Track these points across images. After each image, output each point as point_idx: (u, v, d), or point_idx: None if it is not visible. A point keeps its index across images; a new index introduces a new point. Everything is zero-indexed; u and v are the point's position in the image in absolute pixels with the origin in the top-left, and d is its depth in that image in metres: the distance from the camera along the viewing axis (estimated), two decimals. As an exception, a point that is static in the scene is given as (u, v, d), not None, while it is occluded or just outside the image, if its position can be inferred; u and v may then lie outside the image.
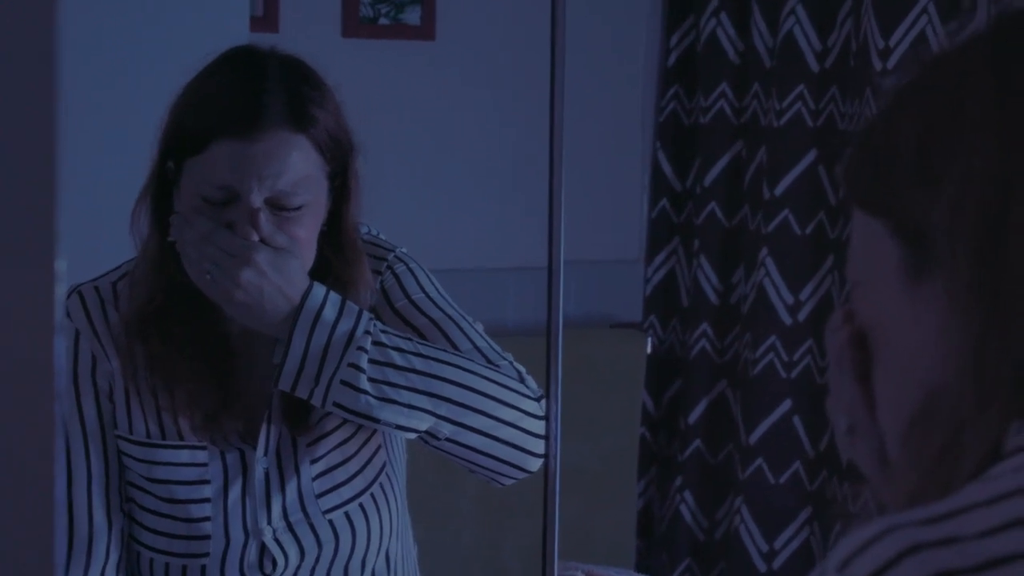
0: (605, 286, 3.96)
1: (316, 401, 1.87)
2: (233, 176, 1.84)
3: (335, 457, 1.96)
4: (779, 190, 3.57)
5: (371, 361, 1.85)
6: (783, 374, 3.59)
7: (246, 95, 1.86)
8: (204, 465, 1.93)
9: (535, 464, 1.95)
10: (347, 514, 1.96)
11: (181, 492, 1.93)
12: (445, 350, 1.92)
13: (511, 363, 1.99)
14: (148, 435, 1.93)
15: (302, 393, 1.87)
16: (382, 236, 2.08)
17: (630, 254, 3.99)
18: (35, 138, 0.75)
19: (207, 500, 1.93)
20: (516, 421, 1.93)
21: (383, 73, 3.64)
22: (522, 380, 1.97)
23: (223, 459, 1.93)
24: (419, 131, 3.68)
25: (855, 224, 1.06)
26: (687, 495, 3.84)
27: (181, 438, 1.92)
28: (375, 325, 1.88)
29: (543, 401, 1.98)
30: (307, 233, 1.89)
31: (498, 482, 1.99)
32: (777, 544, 3.64)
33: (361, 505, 1.97)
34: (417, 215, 3.69)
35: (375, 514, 1.99)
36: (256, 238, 1.84)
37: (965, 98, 1.00)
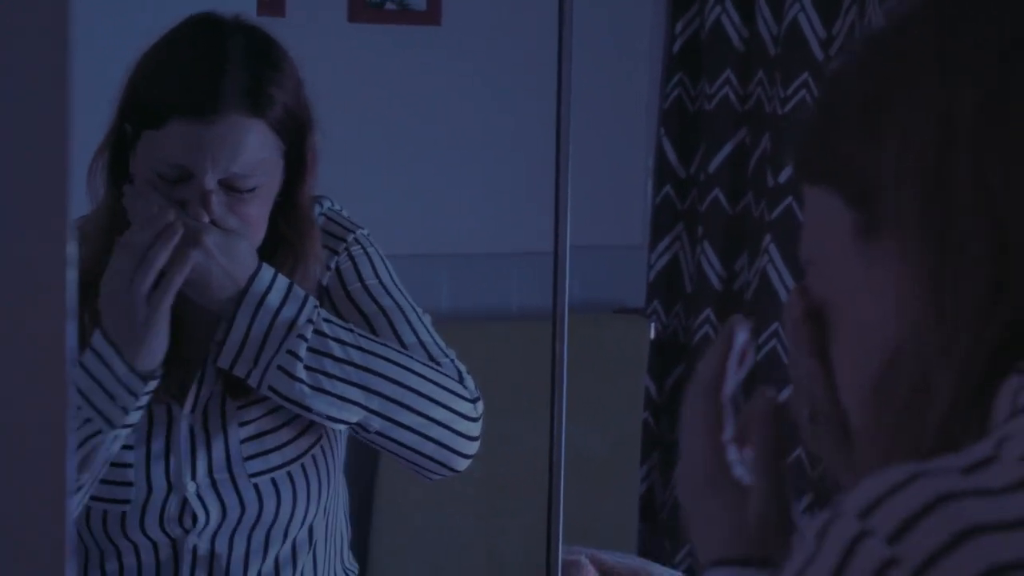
0: (609, 271, 3.96)
1: (252, 382, 1.91)
2: (187, 157, 1.86)
3: (266, 423, 1.98)
4: (783, 177, 3.57)
5: (309, 350, 1.89)
6: (786, 361, 3.60)
7: (205, 74, 1.87)
8: None
9: (462, 464, 2.00)
10: (274, 480, 1.98)
11: None
12: (386, 345, 1.95)
13: (452, 361, 2.02)
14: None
15: (240, 373, 1.91)
16: (344, 213, 2.09)
17: (634, 240, 4.00)
18: (47, 121, 0.75)
19: (129, 447, 1.95)
20: (448, 421, 1.96)
21: (389, 58, 3.64)
22: (461, 380, 2.00)
23: (149, 410, 1.94)
24: (425, 116, 3.69)
25: (806, 203, 1.07)
26: (689, 480, 3.84)
27: None
28: (319, 313, 1.91)
29: (479, 403, 2.01)
30: (258, 212, 1.91)
31: (425, 477, 2.03)
32: (779, 529, 3.65)
33: (289, 473, 1.99)
34: (423, 200, 3.69)
35: (303, 484, 2.00)
36: (207, 219, 1.86)
37: (905, 53, 1.01)
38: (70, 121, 0.75)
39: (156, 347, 1.87)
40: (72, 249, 0.76)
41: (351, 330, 1.93)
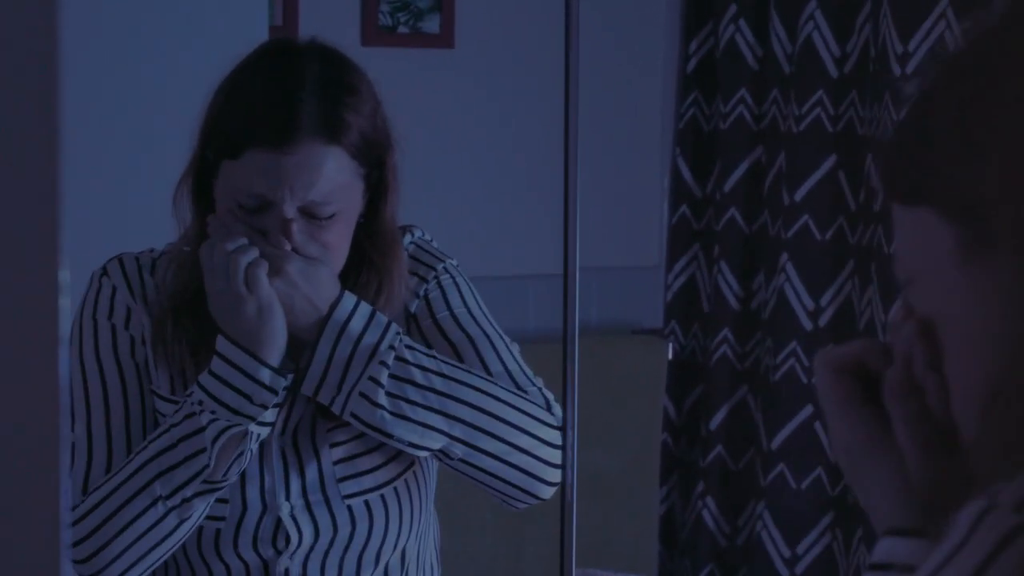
0: (626, 292, 3.97)
1: (336, 409, 1.92)
2: (266, 186, 1.88)
3: (358, 446, 1.98)
4: (799, 195, 3.58)
5: (391, 376, 1.90)
6: (804, 379, 3.60)
7: (280, 104, 1.89)
8: None
9: (548, 492, 1.99)
10: (367, 502, 1.98)
11: None
12: (469, 371, 1.96)
13: (540, 390, 2.02)
14: (173, 392, 1.97)
15: (323, 399, 1.92)
16: (435, 243, 2.12)
17: (650, 260, 4.00)
18: (38, 150, 0.75)
19: None
20: (531, 448, 1.96)
21: (402, 81, 3.64)
22: (548, 408, 2.00)
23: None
24: (439, 138, 3.70)
25: (899, 223, 1.06)
26: (709, 501, 3.84)
27: None
28: (400, 340, 1.92)
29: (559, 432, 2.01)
30: (339, 239, 1.93)
31: (511, 505, 2.02)
32: (800, 550, 3.64)
33: (383, 496, 1.99)
34: (438, 222, 3.68)
35: (396, 508, 2.00)
36: (288, 247, 1.89)
37: (1000, 66, 1.00)
38: (61, 147, 0.75)
39: (277, 335, 1.89)
40: (64, 276, 0.75)
41: (434, 357, 1.94)
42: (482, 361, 2.00)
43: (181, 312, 1.96)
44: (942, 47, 1.07)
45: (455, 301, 2.04)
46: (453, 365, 1.95)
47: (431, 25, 3.65)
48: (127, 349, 1.99)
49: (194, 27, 3.19)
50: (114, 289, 2.00)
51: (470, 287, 2.07)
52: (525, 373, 2.02)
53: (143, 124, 3.16)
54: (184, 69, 2.94)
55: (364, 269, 1.98)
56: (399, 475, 2.00)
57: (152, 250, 2.06)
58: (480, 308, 2.06)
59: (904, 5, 3.28)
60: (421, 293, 2.03)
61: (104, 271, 2.02)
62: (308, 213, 1.90)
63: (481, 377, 1.96)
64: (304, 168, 1.87)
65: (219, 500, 1.96)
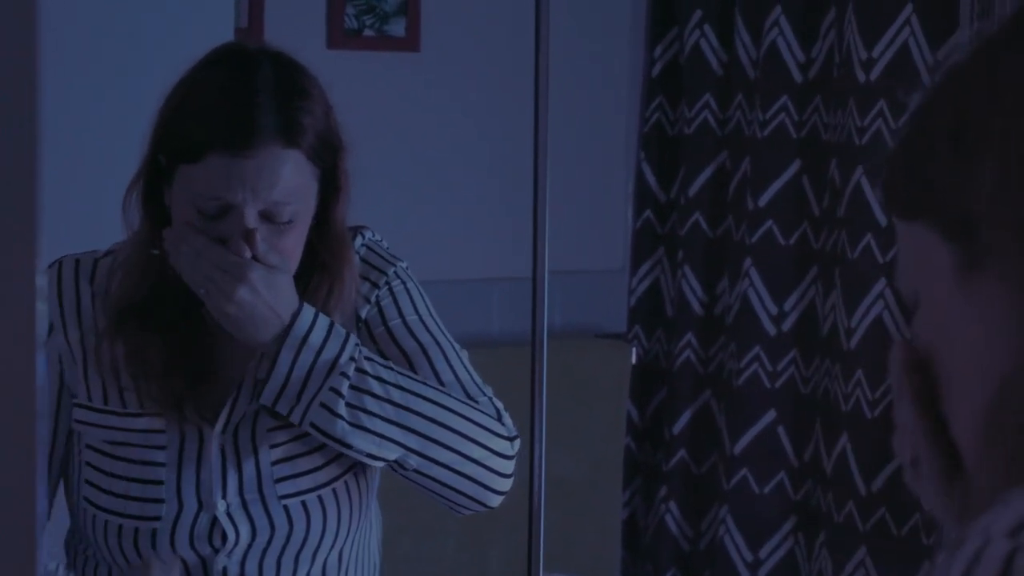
0: (590, 296, 3.98)
1: (294, 419, 1.94)
2: (228, 190, 1.88)
3: (297, 447, 1.99)
4: (763, 200, 3.59)
5: (351, 387, 1.92)
6: (767, 384, 3.61)
7: (238, 107, 1.90)
8: (161, 431, 1.98)
9: (496, 501, 2.03)
10: (304, 503, 1.99)
11: (136, 454, 1.98)
12: (425, 383, 1.98)
13: (491, 399, 2.05)
14: (107, 402, 1.99)
15: (282, 410, 1.94)
16: (384, 243, 2.12)
17: (615, 264, 4.02)
18: (15, 157, 0.75)
19: (161, 464, 1.98)
20: (483, 459, 1.99)
21: (368, 84, 3.65)
22: (499, 418, 2.03)
23: (180, 428, 1.98)
24: (404, 142, 3.70)
25: (900, 237, 1.04)
26: (672, 505, 3.85)
27: (141, 406, 1.98)
28: (360, 351, 1.94)
29: (516, 441, 2.04)
30: (296, 244, 1.95)
31: (456, 511, 2.05)
32: (762, 554, 3.65)
33: (320, 498, 2.00)
34: (403, 226, 3.69)
35: (334, 509, 2.01)
36: (249, 255, 1.89)
37: (995, 79, 0.99)
38: (39, 154, 0.75)
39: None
40: (41, 282, 0.75)
41: (391, 368, 1.96)
42: (433, 370, 2.02)
43: (126, 318, 1.97)
44: (950, 55, 1.05)
45: (407, 308, 2.05)
46: (409, 377, 1.97)
47: (397, 28, 3.66)
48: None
49: (160, 30, 3.19)
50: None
51: (420, 292, 2.09)
52: (475, 382, 2.05)
53: (108, 126, 3.15)
54: (150, 72, 2.93)
55: (316, 272, 1.99)
56: (338, 477, 2.01)
57: (95, 251, 2.06)
58: (431, 315, 2.08)
59: (868, 12, 3.30)
60: (373, 299, 2.04)
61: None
62: (267, 217, 1.91)
63: (436, 389, 1.98)
64: (264, 171, 1.88)
65: (155, 500, 1.97)
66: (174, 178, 1.93)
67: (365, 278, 2.05)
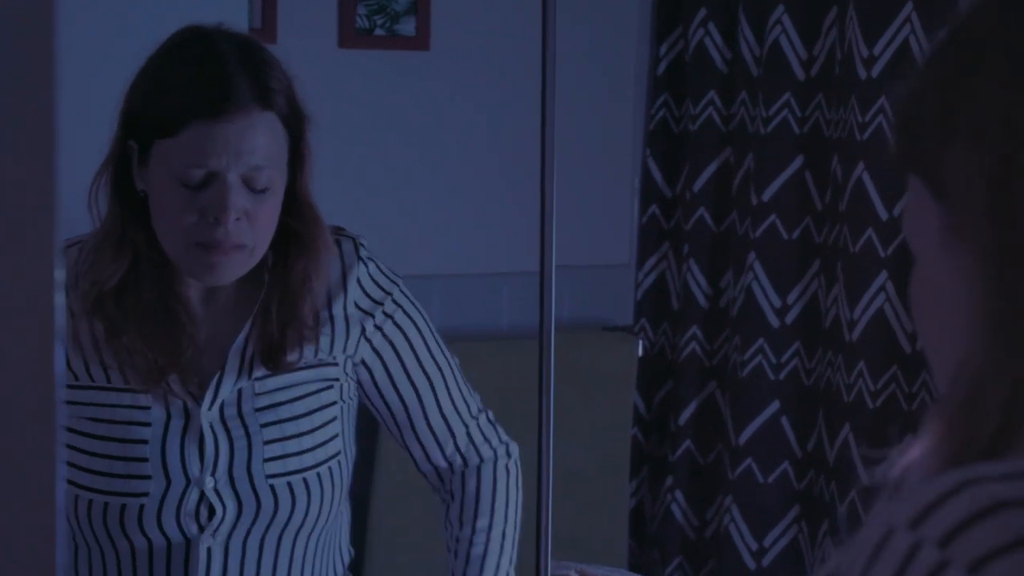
0: (597, 290, 4.00)
1: None
2: (210, 155, 1.92)
3: (288, 428, 2.03)
4: (766, 196, 3.62)
5: None
6: (771, 376, 3.64)
7: (212, 77, 1.93)
8: (146, 408, 2.00)
9: None
10: (289, 483, 2.03)
11: (119, 431, 2.00)
12: (508, 534, 2.25)
13: (489, 419, 2.24)
14: (92, 379, 2.01)
15: None
16: (381, 264, 2.16)
17: (621, 259, 4.04)
18: (34, 150, 0.75)
19: (144, 441, 1.99)
20: (519, 502, 2.27)
21: (379, 82, 3.69)
22: (496, 432, 2.24)
23: (166, 405, 2.00)
24: (414, 139, 3.73)
25: (908, 188, 1.04)
26: (678, 494, 3.88)
27: (126, 382, 2.00)
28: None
29: (514, 448, 2.25)
30: (271, 213, 1.98)
31: None
32: (766, 542, 3.68)
33: (305, 479, 2.04)
34: (414, 222, 3.74)
35: (317, 492, 2.05)
36: (232, 215, 1.92)
37: (968, 59, 0.99)
38: (57, 149, 0.76)
39: None
40: (60, 275, 0.77)
41: (511, 560, 2.24)
42: (436, 400, 2.17)
43: (103, 301, 1.98)
44: (953, 19, 1.04)
45: (416, 341, 2.15)
46: (510, 541, 2.26)
47: (407, 27, 3.70)
48: None
49: (173, 29, 3.22)
50: None
51: (420, 313, 2.17)
52: (470, 403, 2.22)
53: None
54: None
55: (291, 245, 2.02)
56: (323, 462, 2.06)
57: (70, 241, 2.07)
58: (433, 336, 2.18)
59: (869, 10, 3.32)
60: (377, 325, 2.11)
61: None
62: (247, 184, 1.94)
63: (505, 532, 2.24)
64: (245, 134, 1.92)
65: (141, 477, 1.99)
66: (150, 157, 1.95)
67: (366, 293, 2.10)
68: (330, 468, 2.07)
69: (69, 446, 2.02)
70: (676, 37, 3.88)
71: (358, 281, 2.09)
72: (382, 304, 2.11)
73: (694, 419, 3.86)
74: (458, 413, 2.19)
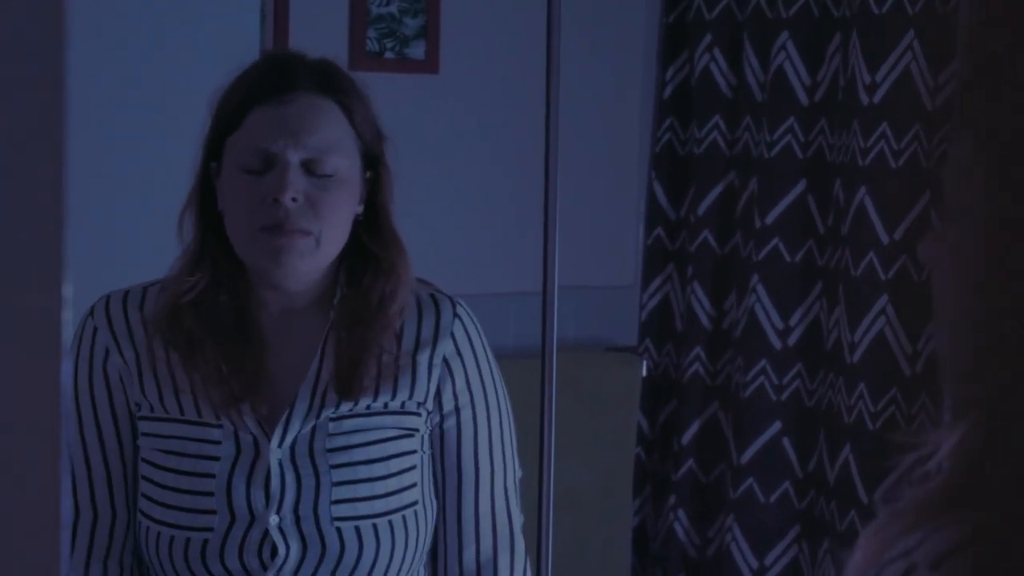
0: (602, 311, 4.02)
1: None
2: (269, 138, 1.94)
3: (360, 471, 1.98)
4: (770, 219, 3.64)
5: None
6: (773, 396, 3.66)
7: (278, 70, 1.98)
8: (217, 443, 1.97)
9: None
10: (357, 528, 1.97)
11: (188, 464, 1.97)
12: None
13: (520, 537, 2.13)
14: (166, 410, 1.98)
15: None
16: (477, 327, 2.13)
17: (626, 280, 4.06)
18: (43, 165, 0.75)
19: (212, 476, 1.96)
20: None
21: (388, 105, 3.71)
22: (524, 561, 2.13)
23: (237, 440, 1.97)
24: (423, 161, 3.76)
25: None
26: (680, 513, 3.89)
27: (199, 415, 1.97)
28: None
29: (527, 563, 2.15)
30: (337, 202, 1.96)
31: None
32: (767, 561, 3.70)
33: (375, 526, 1.98)
34: (422, 241, 3.76)
35: (388, 541, 1.98)
36: (290, 194, 1.92)
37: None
38: (66, 163, 0.76)
39: None
40: (67, 290, 0.76)
41: None
42: (492, 494, 2.09)
43: (181, 315, 1.97)
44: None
45: (481, 430, 2.08)
46: None
47: (417, 51, 3.73)
48: (104, 396, 2.01)
49: (188, 53, 3.26)
50: (95, 330, 2.02)
51: (500, 406, 2.11)
52: (514, 523, 2.12)
53: (140, 145, 3.24)
54: (178, 95, 3.01)
55: (370, 270, 2.01)
56: (396, 510, 1.99)
57: (148, 284, 2.06)
58: (501, 435, 2.11)
59: (872, 37, 3.35)
60: (447, 330, 2.05)
61: (90, 312, 2.04)
62: (309, 169, 1.95)
63: None
64: (304, 116, 1.94)
65: (207, 511, 1.95)
66: (223, 163, 1.97)
67: (458, 351, 2.06)
68: (404, 518, 2.00)
69: (143, 477, 2.00)
70: (682, 62, 3.91)
71: (452, 336, 2.05)
72: (467, 372, 2.07)
73: (697, 439, 3.88)
74: (508, 509, 2.10)
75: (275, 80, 1.96)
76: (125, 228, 3.20)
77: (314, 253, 1.95)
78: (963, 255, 0.96)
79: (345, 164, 1.97)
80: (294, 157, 1.94)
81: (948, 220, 0.99)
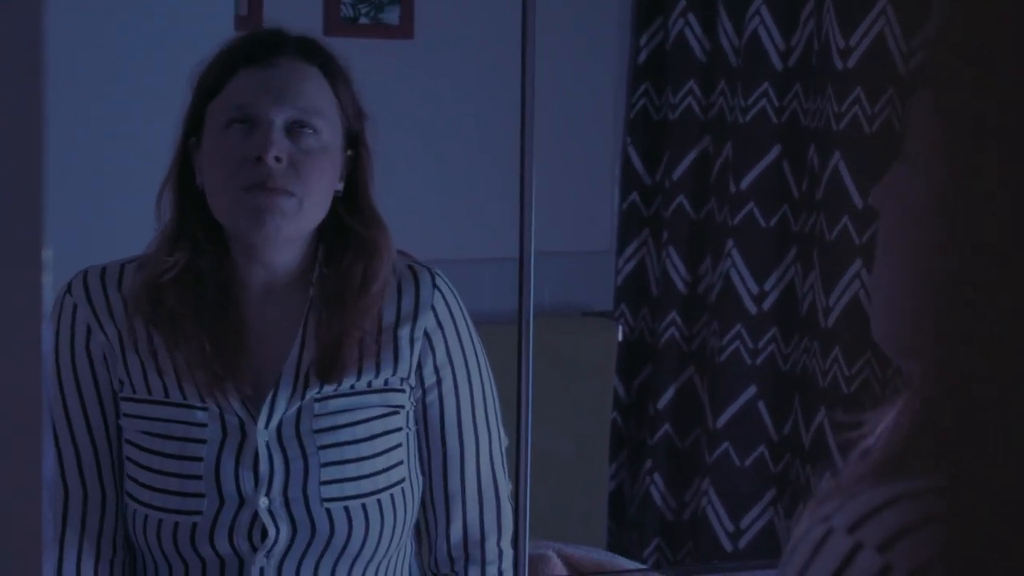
0: (577, 276, 4.03)
1: None
2: (252, 96, 1.94)
3: (347, 451, 1.97)
4: (744, 184, 3.65)
5: None
6: (748, 361, 3.67)
7: (262, 39, 1.99)
8: (203, 425, 1.95)
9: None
10: (347, 508, 1.97)
11: (174, 447, 1.95)
12: None
13: (508, 502, 2.12)
14: (149, 391, 1.96)
15: None
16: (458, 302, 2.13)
17: (602, 245, 4.06)
18: (21, 130, 0.75)
19: (199, 459, 1.95)
20: None
21: (363, 70, 3.71)
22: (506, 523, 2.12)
23: (223, 423, 1.95)
24: (398, 127, 3.76)
25: None
26: (656, 477, 3.91)
27: (184, 397, 1.96)
28: None
29: (508, 553, 2.13)
30: (320, 171, 1.96)
31: None
32: (743, 524, 3.72)
33: (364, 506, 1.98)
34: (397, 207, 3.76)
35: (377, 520, 1.98)
36: (273, 152, 1.91)
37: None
38: (44, 128, 0.76)
39: None
40: (47, 255, 0.76)
41: None
42: (478, 466, 2.07)
43: (163, 291, 1.96)
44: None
45: (465, 406, 2.07)
46: None
47: (391, 16, 3.73)
48: (88, 375, 1.99)
49: (160, 18, 3.25)
50: (75, 307, 2.00)
51: (481, 378, 2.10)
52: (501, 488, 2.10)
53: (112, 112, 3.22)
54: (151, 59, 3.00)
55: (350, 248, 1.99)
56: (384, 489, 1.99)
57: (124, 261, 2.04)
58: (484, 407, 2.09)
59: (846, 2, 3.35)
60: (427, 301, 2.04)
61: (68, 288, 2.01)
62: (291, 133, 1.94)
63: None
64: (289, 78, 1.95)
65: (195, 494, 1.94)
66: (203, 133, 1.96)
67: (439, 323, 2.05)
68: (392, 496, 2.00)
69: (127, 459, 1.99)
70: (656, 27, 3.91)
71: (432, 309, 2.04)
72: (448, 344, 2.05)
73: (672, 403, 3.89)
74: (494, 478, 2.09)
75: (259, 46, 1.97)
76: (102, 193, 3.19)
77: (296, 216, 1.94)
78: (906, 207, 0.97)
79: (328, 130, 1.97)
80: (278, 118, 1.93)
81: (899, 168, 0.98)
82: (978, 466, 0.76)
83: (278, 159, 1.92)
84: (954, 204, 0.83)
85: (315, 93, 1.96)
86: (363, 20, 3.70)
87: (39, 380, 0.76)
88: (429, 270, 2.07)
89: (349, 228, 2.01)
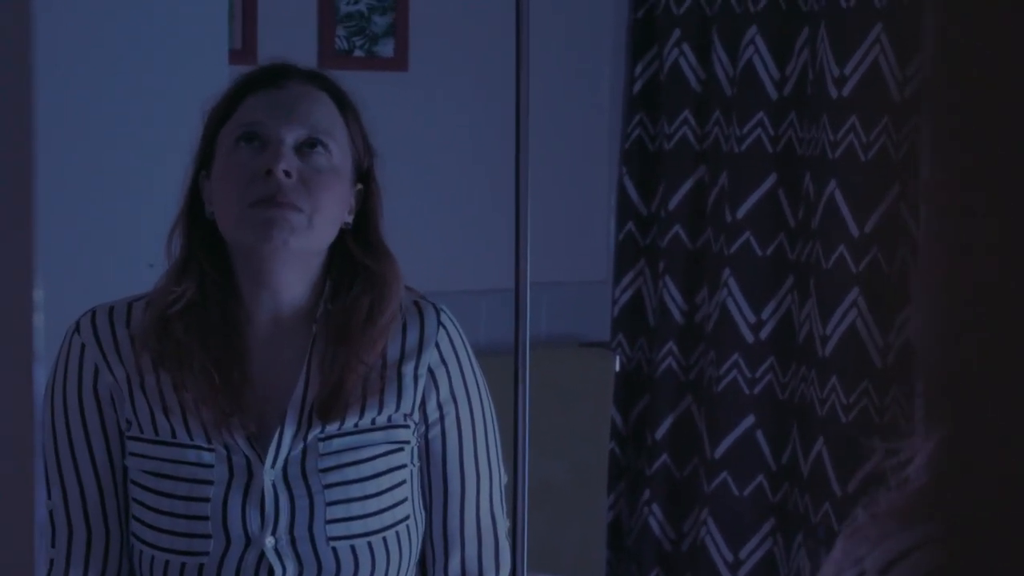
0: (574, 307, 4.03)
1: None
2: (263, 115, 1.95)
3: (353, 490, 1.97)
4: (740, 213, 3.66)
5: None
6: (746, 390, 3.68)
7: (271, 66, 2.01)
8: (210, 466, 1.95)
9: None
10: (353, 547, 1.97)
11: (183, 489, 1.95)
12: None
13: (505, 543, 2.11)
14: (156, 432, 1.96)
15: None
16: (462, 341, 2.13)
17: (598, 275, 4.07)
18: (12, 169, 0.74)
19: (206, 500, 1.94)
20: None
21: (358, 103, 3.73)
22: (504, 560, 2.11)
23: (229, 463, 1.95)
24: (393, 159, 3.76)
25: None
26: (655, 508, 3.91)
27: (191, 438, 1.95)
28: None
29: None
30: (330, 185, 1.97)
31: None
32: (742, 554, 3.71)
33: (370, 544, 1.98)
34: (394, 239, 3.77)
35: (383, 557, 1.98)
36: (282, 165, 1.92)
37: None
38: (35, 168, 0.76)
39: None
40: (38, 295, 0.75)
41: None
42: (477, 505, 2.07)
43: (171, 322, 1.96)
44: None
45: (467, 442, 2.07)
46: None
47: (386, 49, 3.73)
48: (95, 416, 1.99)
49: (155, 51, 3.25)
50: (83, 347, 2.00)
51: (484, 412, 2.10)
52: (500, 531, 2.10)
53: (106, 144, 3.22)
54: (145, 90, 3.01)
55: (359, 277, 2.01)
56: (389, 527, 1.99)
57: (132, 299, 2.04)
58: (486, 443, 2.10)
59: (840, 31, 3.36)
60: (431, 337, 2.04)
61: (76, 327, 2.01)
62: (301, 153, 1.95)
63: None
64: (299, 100, 1.97)
65: (202, 535, 1.94)
66: (213, 161, 1.98)
67: (443, 360, 2.06)
68: (397, 533, 2.00)
69: (134, 500, 1.98)
70: (651, 57, 3.92)
71: (436, 345, 2.04)
72: (451, 381, 2.06)
73: (670, 433, 3.89)
74: (493, 516, 2.10)
75: (269, 72, 1.99)
76: (97, 232, 3.19)
77: (305, 232, 1.94)
78: (929, 253, 0.93)
79: (338, 152, 1.99)
80: (288, 136, 1.95)
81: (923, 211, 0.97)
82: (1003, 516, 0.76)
83: (288, 173, 1.92)
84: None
85: (325, 114, 1.98)
86: (358, 53, 3.71)
87: (31, 423, 0.76)
88: (434, 306, 2.08)
89: (358, 263, 2.02)
